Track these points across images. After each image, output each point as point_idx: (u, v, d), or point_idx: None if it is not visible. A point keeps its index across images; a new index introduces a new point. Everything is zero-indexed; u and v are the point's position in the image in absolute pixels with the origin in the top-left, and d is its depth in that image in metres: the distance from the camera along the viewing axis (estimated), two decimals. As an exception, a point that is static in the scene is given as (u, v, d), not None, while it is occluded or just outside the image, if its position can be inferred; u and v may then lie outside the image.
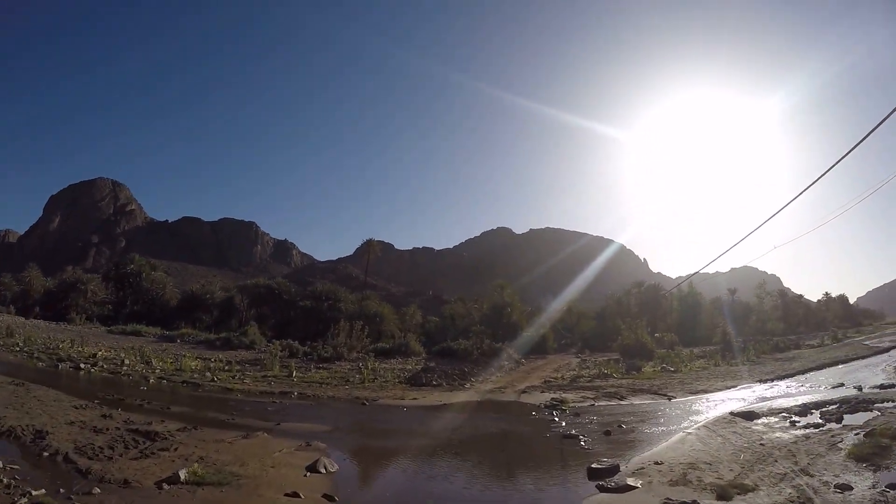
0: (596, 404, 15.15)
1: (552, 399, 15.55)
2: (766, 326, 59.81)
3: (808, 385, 18.46)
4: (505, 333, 39.63)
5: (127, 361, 21.99)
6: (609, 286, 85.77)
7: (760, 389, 18.03)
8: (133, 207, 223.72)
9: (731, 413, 12.62)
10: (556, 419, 12.57)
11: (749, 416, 12.08)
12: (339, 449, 9.74)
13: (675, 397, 16.31)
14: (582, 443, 9.88)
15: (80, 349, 24.94)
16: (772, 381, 20.32)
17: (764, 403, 13.94)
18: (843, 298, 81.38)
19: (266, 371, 22.54)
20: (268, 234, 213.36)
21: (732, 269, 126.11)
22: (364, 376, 21.75)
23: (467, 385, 20.70)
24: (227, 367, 23.12)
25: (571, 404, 14.96)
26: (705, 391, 17.72)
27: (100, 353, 24.22)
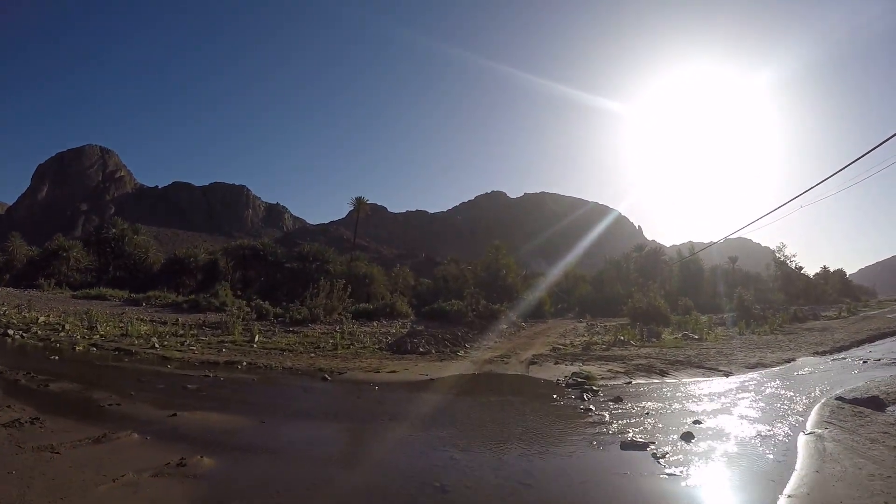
0: (633, 382, 11.05)
1: (574, 374, 11.43)
2: (768, 297, 56.67)
3: (887, 358, 14.51)
4: (500, 297, 36.06)
5: (68, 327, 18.46)
6: (605, 252, 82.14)
7: (827, 364, 14.11)
8: (122, 174, 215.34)
9: (841, 399, 8.62)
10: (592, 408, 8.38)
11: (876, 403, 8.07)
12: (232, 472, 5.47)
13: (731, 373, 12.30)
14: (661, 461, 5.69)
15: (25, 314, 21.49)
16: (828, 353, 16.47)
17: (871, 384, 9.93)
18: (840, 273, 78.39)
19: (225, 336, 18.47)
20: (259, 198, 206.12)
21: (726, 238, 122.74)
22: (337, 342, 17.73)
23: (461, 353, 16.62)
24: (181, 332, 19.01)
25: (601, 382, 10.86)
26: (762, 364, 13.74)
27: (42, 318, 20.59)
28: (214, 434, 6.73)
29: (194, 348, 15.47)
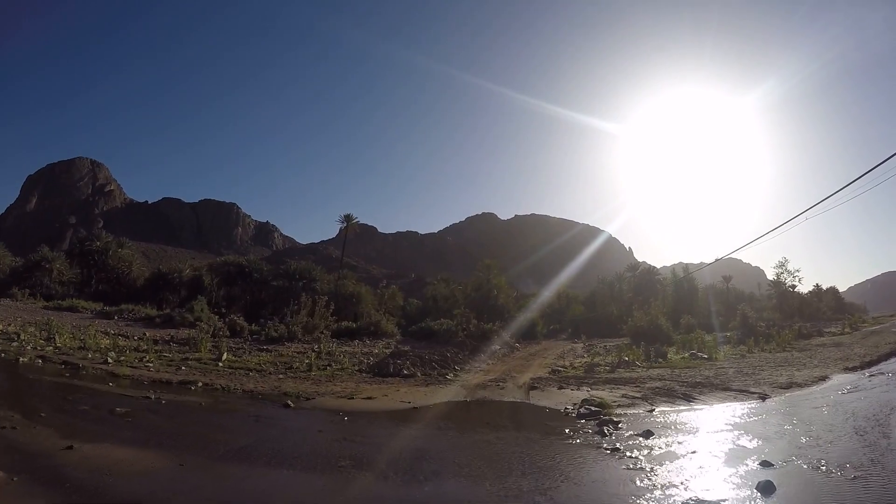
0: (656, 410, 9.13)
1: (584, 402, 9.46)
2: (763, 315, 55.45)
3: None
4: (491, 317, 34.14)
5: (24, 336, 16.87)
6: (595, 274, 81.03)
7: (867, 380, 12.31)
8: (112, 188, 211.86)
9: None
10: (619, 447, 6.39)
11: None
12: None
13: (767, 395, 10.43)
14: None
15: (-18, 325, 19.56)
16: (859, 369, 14.72)
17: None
18: (833, 290, 77.72)
19: (192, 353, 16.42)
20: (249, 216, 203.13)
21: (716, 259, 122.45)
22: (312, 362, 15.64)
23: (450, 376, 14.58)
24: (144, 347, 16.87)
25: (618, 411, 8.90)
26: (795, 384, 11.90)
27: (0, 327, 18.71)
28: (105, 478, 4.74)
29: (151, 365, 13.56)
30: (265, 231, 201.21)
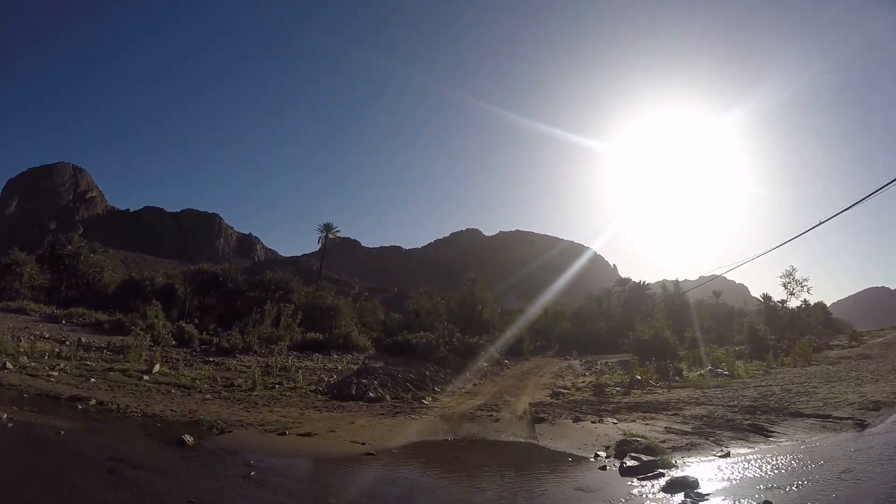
0: (733, 453, 6.09)
1: (622, 444, 6.32)
2: (742, 332, 54.05)
3: None
4: (477, 332, 31.09)
5: None
6: (580, 291, 78.86)
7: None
8: (94, 194, 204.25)
9: None
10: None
11: None
12: None
13: (865, 422, 7.45)
14: None
15: None
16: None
17: None
18: (821, 305, 76.58)
19: (122, 363, 13.58)
20: (232, 227, 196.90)
21: (701, 276, 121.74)
22: (256, 379, 12.29)
23: (427, 399, 11.33)
24: (66, 354, 13.95)
25: (677, 457, 5.84)
26: (883, 403, 8.96)
27: None
28: None
29: (56, 375, 10.89)
30: (247, 243, 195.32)
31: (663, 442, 6.58)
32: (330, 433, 7.54)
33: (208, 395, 10.61)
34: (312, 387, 12.58)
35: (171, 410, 8.71)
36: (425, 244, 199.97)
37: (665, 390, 13.24)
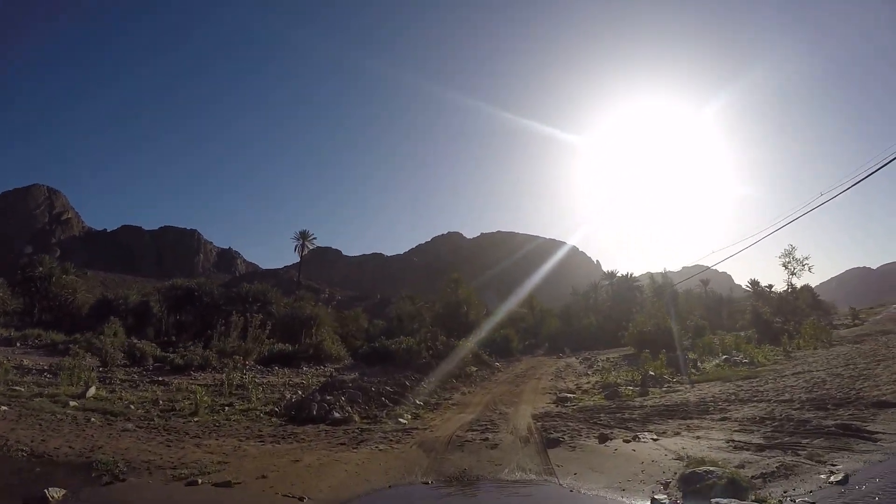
0: (840, 466, 4.08)
1: (689, 477, 4.20)
2: (745, 316, 53.18)
3: None
4: (462, 335, 29.10)
5: None
6: (563, 288, 77.38)
7: None
8: (70, 216, 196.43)
9: None
10: None
11: None
12: None
13: None
14: None
15: None
16: None
17: None
18: (808, 288, 76.70)
19: (54, 387, 11.92)
20: (211, 242, 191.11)
21: (684, 267, 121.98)
22: (199, 401, 9.93)
23: (404, 417, 9.09)
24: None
25: (771, 489, 3.80)
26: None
27: None
28: None
29: None
30: (228, 257, 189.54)
31: (741, 467, 4.50)
32: (259, 480, 5.30)
33: (130, 425, 8.56)
34: (269, 407, 10.42)
35: (69, 447, 6.79)
36: (407, 250, 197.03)
37: (688, 386, 11.29)
